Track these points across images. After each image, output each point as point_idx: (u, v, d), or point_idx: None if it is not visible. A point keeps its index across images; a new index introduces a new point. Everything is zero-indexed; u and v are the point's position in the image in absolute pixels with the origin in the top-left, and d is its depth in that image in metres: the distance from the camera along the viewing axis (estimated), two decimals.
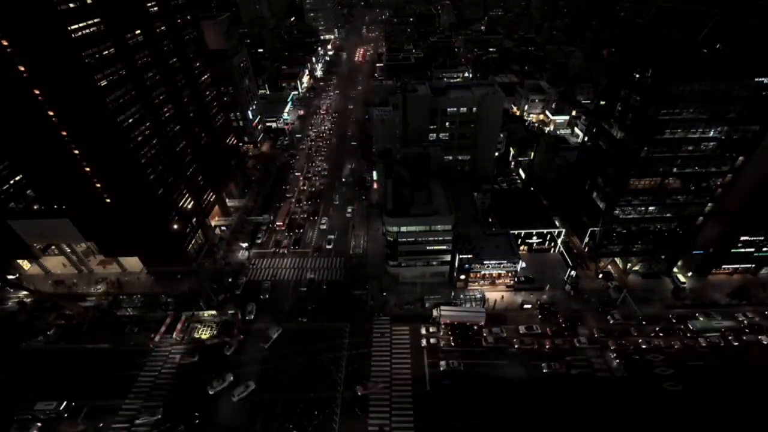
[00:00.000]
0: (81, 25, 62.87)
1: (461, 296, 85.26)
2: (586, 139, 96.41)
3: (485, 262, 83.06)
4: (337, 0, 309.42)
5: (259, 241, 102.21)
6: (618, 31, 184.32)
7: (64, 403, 66.81)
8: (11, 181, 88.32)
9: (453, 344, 76.25)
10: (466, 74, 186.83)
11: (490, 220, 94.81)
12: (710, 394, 66.72)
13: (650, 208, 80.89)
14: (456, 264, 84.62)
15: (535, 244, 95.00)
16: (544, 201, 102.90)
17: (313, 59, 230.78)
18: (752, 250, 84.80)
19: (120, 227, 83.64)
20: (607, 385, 68.96)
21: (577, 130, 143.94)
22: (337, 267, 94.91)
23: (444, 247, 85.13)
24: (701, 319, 79.21)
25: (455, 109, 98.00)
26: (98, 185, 77.10)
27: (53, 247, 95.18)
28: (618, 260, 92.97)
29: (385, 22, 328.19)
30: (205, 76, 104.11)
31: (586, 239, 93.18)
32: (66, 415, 65.99)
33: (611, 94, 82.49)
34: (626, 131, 77.16)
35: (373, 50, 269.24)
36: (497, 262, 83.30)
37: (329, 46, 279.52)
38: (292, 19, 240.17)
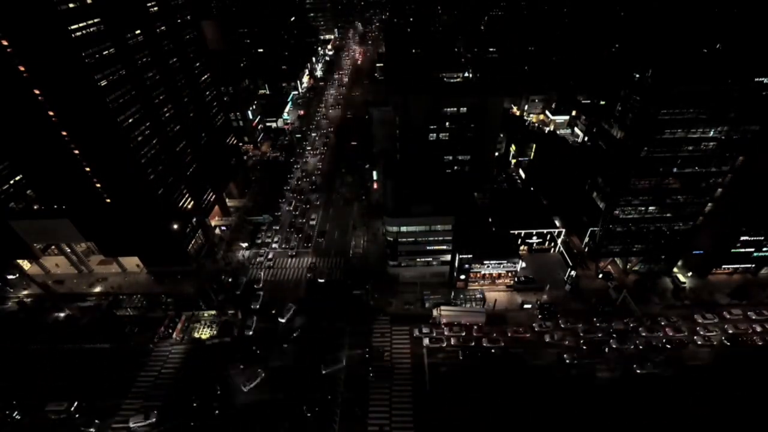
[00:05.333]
0: (81, 25, 62.84)
1: (461, 296, 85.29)
2: (586, 139, 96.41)
3: (485, 262, 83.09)
4: None
5: (258, 241, 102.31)
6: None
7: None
8: (11, 181, 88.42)
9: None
10: (466, 74, 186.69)
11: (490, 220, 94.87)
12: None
13: (650, 208, 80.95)
14: (456, 264, 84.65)
15: (535, 244, 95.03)
16: (544, 201, 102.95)
17: (313, 59, 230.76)
18: (752, 250, 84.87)
19: (120, 227, 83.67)
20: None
21: (577, 130, 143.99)
22: (337, 267, 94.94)
23: (444, 247, 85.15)
24: None
25: (455, 109, 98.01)
26: (98, 185, 77.06)
27: (53, 247, 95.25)
28: (618, 260, 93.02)
29: (385, 22, 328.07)
30: (205, 76, 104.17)
31: (586, 239, 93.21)
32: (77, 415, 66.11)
33: (611, 94, 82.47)
34: (626, 131, 77.21)
35: (372, 50, 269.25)
36: (497, 262, 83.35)
37: (329, 46, 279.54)
38: (292, 18, 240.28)
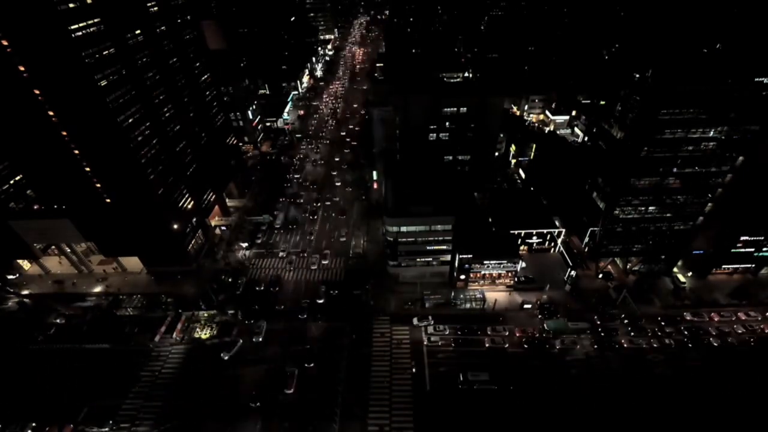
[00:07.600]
0: (81, 25, 62.86)
1: (461, 296, 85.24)
2: (586, 139, 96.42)
3: (485, 262, 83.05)
4: None
5: (259, 242, 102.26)
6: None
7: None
8: (11, 181, 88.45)
9: None
10: (466, 74, 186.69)
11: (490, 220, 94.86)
12: None
13: (650, 208, 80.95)
14: (456, 264, 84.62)
15: (535, 244, 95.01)
16: (544, 201, 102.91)
17: (313, 59, 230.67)
18: (752, 250, 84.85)
19: (120, 227, 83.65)
20: None
21: (577, 130, 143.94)
22: (336, 267, 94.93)
23: (444, 247, 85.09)
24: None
25: (455, 109, 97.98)
26: (98, 185, 77.06)
27: (53, 247, 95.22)
28: (618, 260, 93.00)
29: (385, 22, 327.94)
30: (205, 76, 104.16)
31: (586, 239, 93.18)
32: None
33: (611, 94, 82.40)
34: (626, 131, 77.19)
35: (372, 50, 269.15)
36: (497, 262, 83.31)
37: (329, 46, 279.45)
38: (292, 18, 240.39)
